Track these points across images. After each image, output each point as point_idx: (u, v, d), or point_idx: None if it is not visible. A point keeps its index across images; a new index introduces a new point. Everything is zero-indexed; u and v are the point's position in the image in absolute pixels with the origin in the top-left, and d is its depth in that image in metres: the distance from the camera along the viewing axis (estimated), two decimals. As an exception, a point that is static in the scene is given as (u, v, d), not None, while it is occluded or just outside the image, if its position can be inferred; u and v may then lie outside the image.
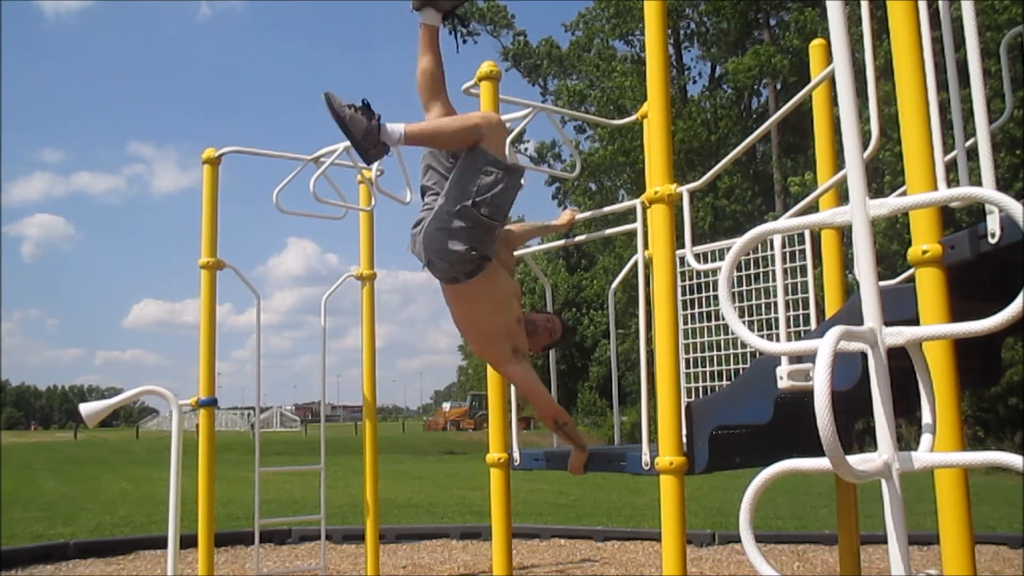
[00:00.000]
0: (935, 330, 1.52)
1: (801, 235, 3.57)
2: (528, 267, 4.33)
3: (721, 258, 3.67)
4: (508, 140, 3.25)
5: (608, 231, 4.36)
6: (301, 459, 20.55)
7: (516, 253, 3.72)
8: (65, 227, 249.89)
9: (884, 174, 15.03)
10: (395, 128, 2.91)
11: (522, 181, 3.13)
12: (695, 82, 31.74)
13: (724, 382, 3.85)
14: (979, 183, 2.02)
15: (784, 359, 2.78)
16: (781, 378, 2.77)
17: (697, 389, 3.98)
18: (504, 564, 3.54)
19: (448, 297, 3.18)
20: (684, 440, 2.88)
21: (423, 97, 3.24)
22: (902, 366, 1.59)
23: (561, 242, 4.21)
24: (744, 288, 3.97)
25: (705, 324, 4.04)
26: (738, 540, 3.18)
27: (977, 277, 2.27)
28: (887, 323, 1.49)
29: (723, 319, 2.54)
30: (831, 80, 3.22)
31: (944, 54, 2.36)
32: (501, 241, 3.25)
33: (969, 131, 2.34)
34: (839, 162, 3.69)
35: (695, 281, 4.05)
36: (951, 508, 1.96)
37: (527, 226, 3.87)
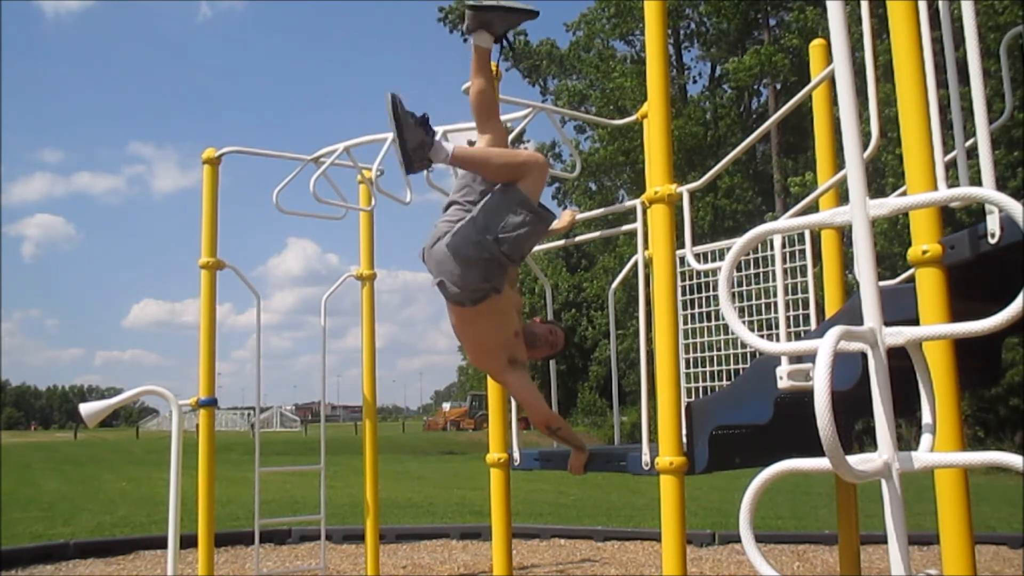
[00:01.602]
0: (935, 330, 1.52)
1: (801, 235, 3.57)
2: (528, 267, 4.33)
3: (721, 258, 3.67)
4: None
5: (608, 231, 4.37)
6: (301, 459, 20.55)
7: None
8: (65, 227, 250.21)
9: (885, 174, 15.03)
10: (445, 147, 2.95)
11: (548, 228, 3.18)
12: (695, 82, 31.76)
13: (724, 382, 3.84)
14: (979, 183, 2.02)
15: (784, 359, 2.78)
16: (781, 378, 2.77)
17: (697, 389, 3.98)
18: (504, 564, 3.54)
19: (451, 312, 3.21)
20: (684, 440, 2.88)
21: (478, 117, 3.25)
22: (902, 366, 1.59)
23: (561, 242, 4.21)
24: (744, 288, 3.97)
25: (705, 324, 4.04)
26: (738, 540, 3.18)
27: (977, 277, 2.27)
28: (887, 323, 1.49)
29: (723, 319, 2.54)
30: (831, 80, 3.22)
31: (944, 54, 2.36)
32: None
33: (969, 131, 2.34)
34: (839, 162, 3.69)
35: (695, 281, 4.05)
36: (951, 508, 1.96)
37: None
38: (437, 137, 2.94)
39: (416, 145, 2.88)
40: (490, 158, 3.08)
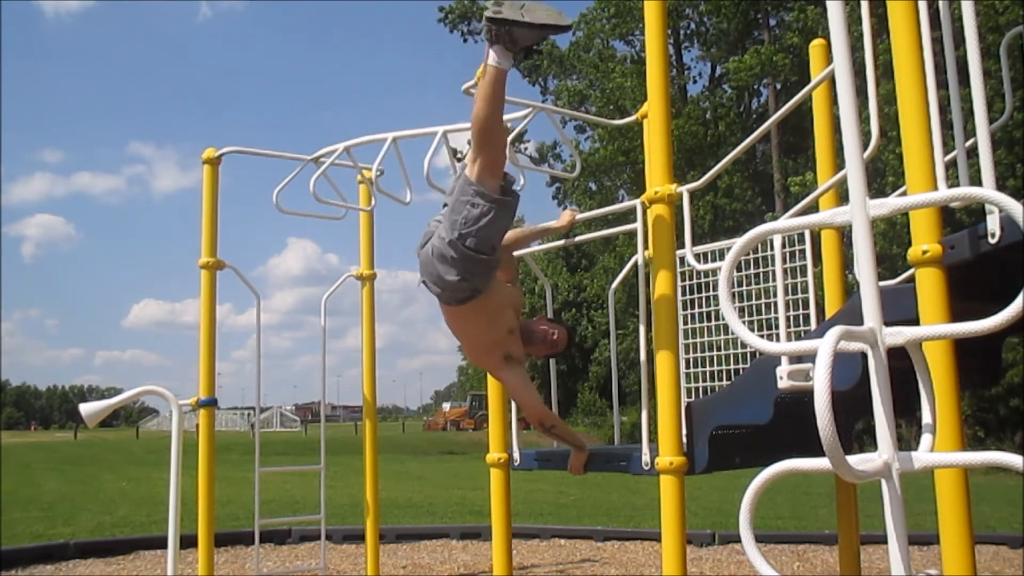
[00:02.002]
0: (935, 330, 1.52)
1: (801, 235, 3.57)
2: (528, 267, 4.33)
3: (721, 258, 3.67)
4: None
5: (608, 231, 4.37)
6: (301, 459, 20.55)
7: (516, 253, 3.72)
8: (65, 227, 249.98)
9: (885, 174, 15.03)
10: (500, 59, 2.73)
11: (514, 211, 3.04)
12: (695, 82, 31.78)
13: (724, 382, 3.84)
14: (979, 183, 2.02)
15: (784, 359, 2.78)
16: (781, 378, 2.77)
17: (697, 389, 3.98)
18: (504, 564, 3.54)
19: (442, 310, 3.23)
20: (684, 440, 2.88)
21: (478, 143, 2.89)
22: (902, 366, 1.59)
23: (561, 242, 4.21)
24: (744, 288, 3.97)
25: (705, 324, 4.04)
26: (738, 540, 3.18)
27: (977, 277, 2.27)
28: (887, 323, 1.49)
29: (723, 319, 2.54)
30: (831, 80, 3.22)
31: (944, 54, 2.36)
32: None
33: (969, 131, 2.34)
34: (839, 162, 3.70)
35: (695, 281, 4.05)
36: (951, 508, 1.96)
37: (527, 230, 3.87)
38: (515, 59, 2.80)
39: (515, 37, 2.69)
40: (496, 107, 2.82)
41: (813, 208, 3.04)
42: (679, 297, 3.80)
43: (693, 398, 3.87)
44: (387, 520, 7.89)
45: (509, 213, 3.00)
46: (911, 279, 2.23)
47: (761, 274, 3.80)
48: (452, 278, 2.98)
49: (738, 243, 1.60)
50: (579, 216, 4.03)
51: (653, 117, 2.95)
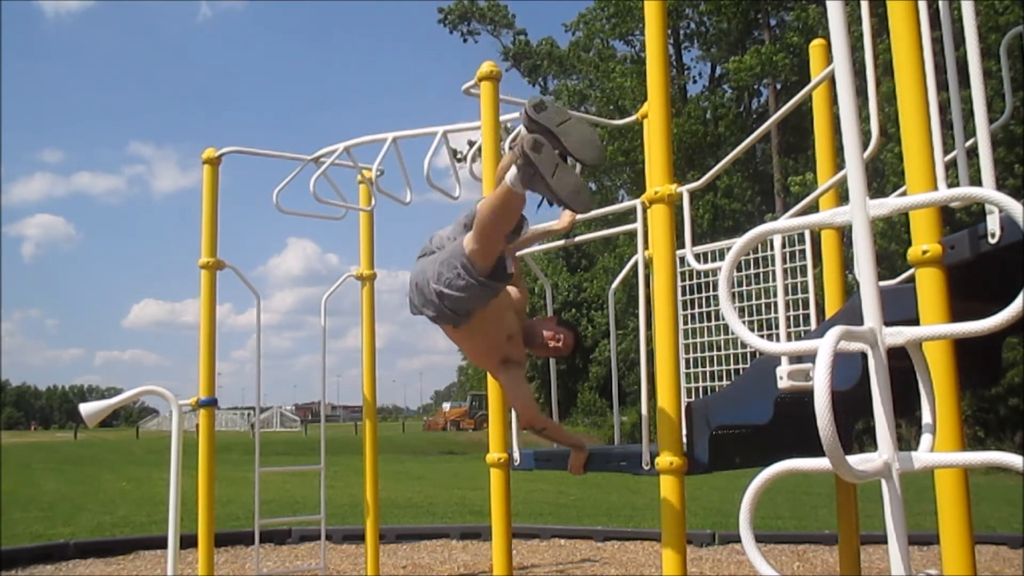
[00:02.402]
0: (935, 330, 1.52)
1: (801, 235, 3.57)
2: (528, 267, 4.33)
3: (721, 258, 3.67)
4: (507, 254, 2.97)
5: (608, 231, 4.37)
6: (301, 459, 20.54)
7: (517, 254, 3.72)
8: (65, 227, 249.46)
9: (885, 174, 15.03)
10: (515, 183, 2.63)
11: (496, 294, 2.96)
12: (695, 82, 31.78)
13: (724, 382, 3.85)
14: (979, 183, 2.02)
15: (784, 359, 2.78)
16: (781, 378, 2.77)
17: (697, 389, 3.98)
18: (504, 564, 3.54)
19: None
20: (684, 440, 2.88)
21: (476, 227, 2.80)
22: (902, 366, 1.59)
23: (561, 242, 4.21)
24: (744, 288, 3.98)
25: (705, 324, 4.04)
26: (738, 540, 3.18)
27: (977, 277, 2.27)
28: (887, 323, 1.49)
29: (723, 319, 2.54)
30: (831, 80, 3.22)
31: (944, 54, 2.36)
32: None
33: (969, 131, 2.34)
34: (839, 162, 3.70)
35: (695, 281, 4.05)
36: (951, 508, 1.96)
37: (528, 232, 3.86)
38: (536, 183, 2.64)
39: (534, 182, 2.59)
40: (500, 218, 2.75)
41: (813, 208, 3.04)
42: (679, 297, 3.81)
43: (693, 398, 3.87)
44: (387, 520, 7.89)
45: (492, 295, 2.96)
46: (911, 279, 2.23)
47: (761, 274, 3.80)
48: (430, 313, 2.99)
49: (738, 243, 1.61)
50: (579, 216, 4.02)
51: (653, 117, 2.95)
